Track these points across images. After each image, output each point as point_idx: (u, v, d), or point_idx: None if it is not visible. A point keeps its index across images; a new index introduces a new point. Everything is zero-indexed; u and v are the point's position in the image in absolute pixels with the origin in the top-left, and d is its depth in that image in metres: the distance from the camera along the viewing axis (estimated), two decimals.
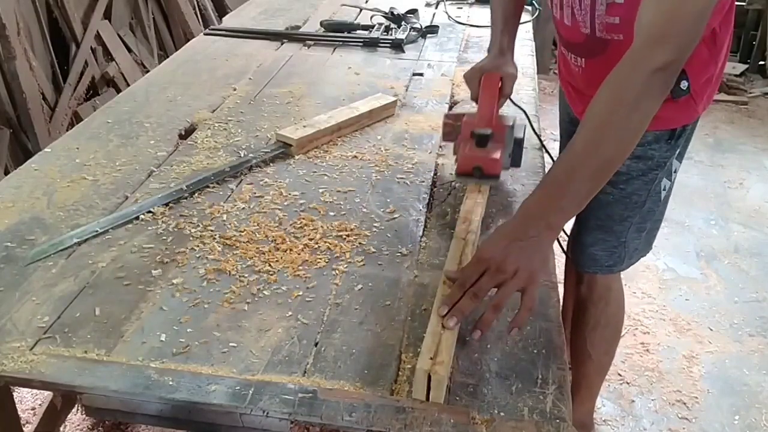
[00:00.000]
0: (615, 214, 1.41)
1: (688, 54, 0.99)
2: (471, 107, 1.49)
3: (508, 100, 1.44)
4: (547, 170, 1.45)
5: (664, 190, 1.41)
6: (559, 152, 1.70)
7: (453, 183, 1.38)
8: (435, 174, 1.45)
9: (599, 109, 1.00)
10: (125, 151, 1.49)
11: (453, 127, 1.39)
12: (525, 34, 2.35)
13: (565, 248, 1.70)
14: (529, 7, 2.57)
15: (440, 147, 1.55)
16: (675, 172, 1.41)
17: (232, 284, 1.08)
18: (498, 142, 1.29)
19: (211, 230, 1.22)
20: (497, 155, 1.27)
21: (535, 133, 1.52)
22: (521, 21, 2.36)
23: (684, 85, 1.25)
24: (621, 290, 1.59)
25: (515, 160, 1.38)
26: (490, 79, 1.33)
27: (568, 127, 1.62)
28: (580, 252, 1.50)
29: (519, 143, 1.36)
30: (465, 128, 1.31)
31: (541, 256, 0.98)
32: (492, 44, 1.44)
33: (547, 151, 1.53)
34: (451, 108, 1.77)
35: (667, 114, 1.28)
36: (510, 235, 0.98)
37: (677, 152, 1.38)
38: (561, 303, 1.17)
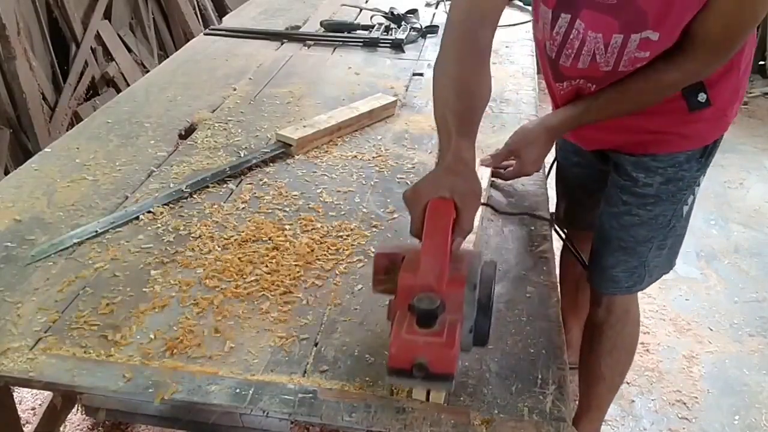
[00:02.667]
0: (639, 236, 1.37)
1: None
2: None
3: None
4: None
5: (686, 205, 1.37)
6: (557, 174, 1.67)
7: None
8: None
9: (637, 90, 1.17)
10: (125, 151, 1.49)
11: (387, 275, 0.89)
12: (525, 34, 2.35)
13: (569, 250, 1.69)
14: (529, 7, 2.56)
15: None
16: (698, 186, 1.37)
17: (231, 284, 1.08)
18: (452, 312, 0.79)
19: (211, 230, 1.22)
20: (452, 343, 0.76)
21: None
22: (520, 22, 2.31)
23: (702, 97, 1.21)
24: (638, 312, 1.56)
25: (479, 336, 0.84)
26: (439, 210, 0.85)
27: (571, 157, 1.58)
28: (601, 274, 1.46)
29: (485, 309, 0.83)
30: (401, 290, 0.81)
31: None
32: (442, 151, 0.98)
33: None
34: None
35: (697, 132, 1.27)
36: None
37: (705, 169, 1.34)
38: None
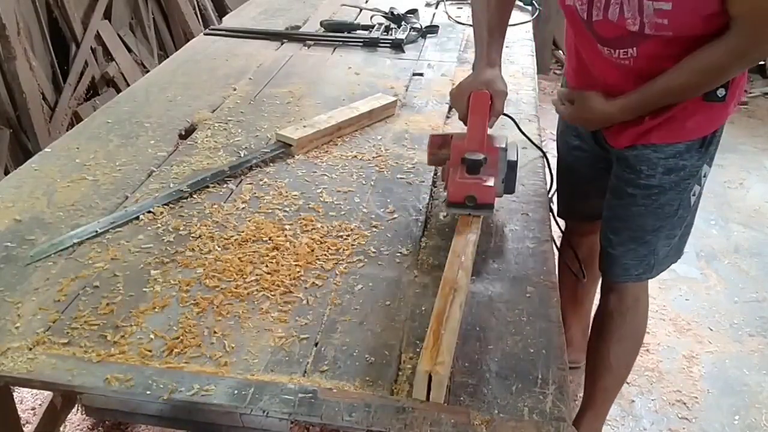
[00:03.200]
0: (647, 225, 1.40)
1: None
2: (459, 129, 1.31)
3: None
4: (545, 166, 1.47)
5: (694, 195, 1.40)
6: (557, 164, 1.68)
7: (444, 215, 1.30)
8: (435, 174, 1.45)
9: (688, 70, 1.19)
10: (125, 151, 1.49)
11: (440, 150, 1.29)
12: (525, 34, 2.35)
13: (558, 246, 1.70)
14: (529, 7, 2.57)
15: None
16: (705, 176, 1.40)
17: (231, 284, 1.08)
18: (491, 167, 1.19)
19: (211, 230, 1.22)
20: (491, 182, 1.17)
21: (529, 138, 1.50)
22: (520, 22, 2.34)
23: (721, 93, 1.24)
24: (647, 302, 1.58)
25: (509, 186, 1.26)
26: (480, 98, 1.23)
27: (571, 140, 1.59)
28: (612, 263, 1.49)
29: (513, 167, 1.24)
30: (454, 152, 1.20)
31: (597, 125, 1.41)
32: (478, 58, 1.33)
33: (543, 154, 1.51)
34: (450, 109, 1.77)
35: (697, 124, 1.29)
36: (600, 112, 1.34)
37: (708, 158, 1.37)
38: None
